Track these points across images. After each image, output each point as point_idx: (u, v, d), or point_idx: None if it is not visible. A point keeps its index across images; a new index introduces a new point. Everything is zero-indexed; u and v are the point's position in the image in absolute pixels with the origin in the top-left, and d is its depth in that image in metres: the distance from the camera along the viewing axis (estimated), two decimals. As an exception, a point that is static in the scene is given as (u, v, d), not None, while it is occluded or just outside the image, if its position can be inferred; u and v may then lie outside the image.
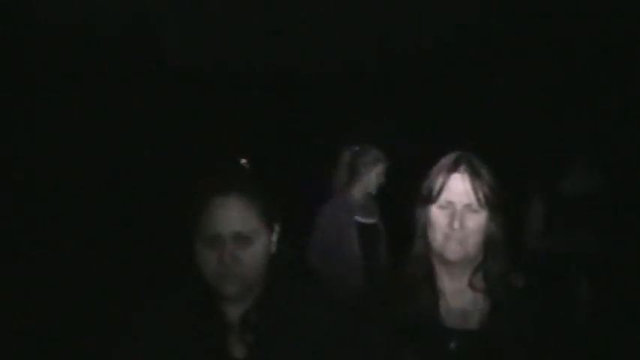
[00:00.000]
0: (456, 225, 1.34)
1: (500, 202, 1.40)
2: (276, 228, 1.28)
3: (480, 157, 1.44)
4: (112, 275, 4.94)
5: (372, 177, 3.29)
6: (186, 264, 1.19)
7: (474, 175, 1.39)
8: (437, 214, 1.38)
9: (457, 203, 1.36)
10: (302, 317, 1.22)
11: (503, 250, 1.40)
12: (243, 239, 1.16)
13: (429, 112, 5.48)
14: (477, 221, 1.36)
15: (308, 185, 3.91)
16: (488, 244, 1.39)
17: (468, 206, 1.36)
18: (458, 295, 1.40)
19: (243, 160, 1.31)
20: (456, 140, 1.65)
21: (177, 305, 1.25)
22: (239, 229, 1.16)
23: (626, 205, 3.39)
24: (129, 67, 5.53)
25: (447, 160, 1.43)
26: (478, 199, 1.37)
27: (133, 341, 1.24)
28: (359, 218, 3.33)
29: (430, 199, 1.39)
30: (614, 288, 3.21)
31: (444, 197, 1.38)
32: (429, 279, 1.41)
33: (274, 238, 1.27)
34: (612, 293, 3.23)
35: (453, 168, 1.40)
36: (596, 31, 4.71)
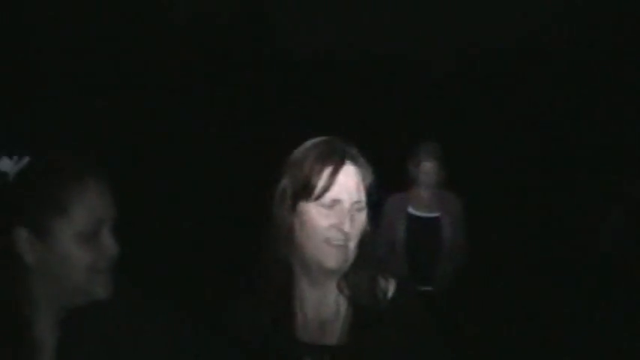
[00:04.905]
0: (347, 227, 1.11)
1: (374, 197, 1.18)
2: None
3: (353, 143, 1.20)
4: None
5: (420, 173, 3.23)
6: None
7: (361, 166, 1.17)
8: (317, 214, 1.13)
9: (346, 201, 1.13)
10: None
11: (373, 252, 1.18)
12: None
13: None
14: (361, 221, 1.15)
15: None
16: (361, 245, 1.16)
17: (356, 204, 1.14)
18: (318, 304, 1.20)
19: None
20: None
21: None
22: None
23: None
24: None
25: (320, 148, 1.16)
26: (365, 196, 1.16)
27: None
28: (412, 210, 3.30)
29: (309, 196, 1.14)
30: None
31: (330, 195, 1.13)
32: (288, 288, 1.20)
33: None
34: None
35: (339, 160, 1.14)
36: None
